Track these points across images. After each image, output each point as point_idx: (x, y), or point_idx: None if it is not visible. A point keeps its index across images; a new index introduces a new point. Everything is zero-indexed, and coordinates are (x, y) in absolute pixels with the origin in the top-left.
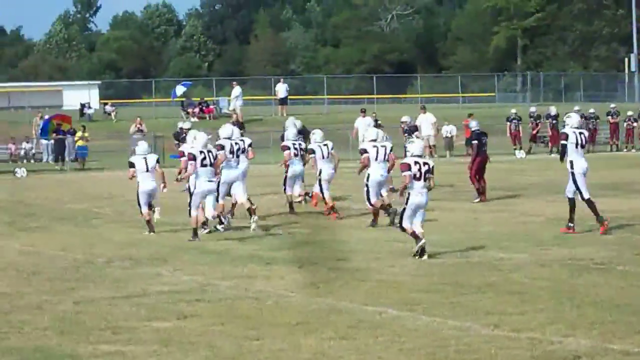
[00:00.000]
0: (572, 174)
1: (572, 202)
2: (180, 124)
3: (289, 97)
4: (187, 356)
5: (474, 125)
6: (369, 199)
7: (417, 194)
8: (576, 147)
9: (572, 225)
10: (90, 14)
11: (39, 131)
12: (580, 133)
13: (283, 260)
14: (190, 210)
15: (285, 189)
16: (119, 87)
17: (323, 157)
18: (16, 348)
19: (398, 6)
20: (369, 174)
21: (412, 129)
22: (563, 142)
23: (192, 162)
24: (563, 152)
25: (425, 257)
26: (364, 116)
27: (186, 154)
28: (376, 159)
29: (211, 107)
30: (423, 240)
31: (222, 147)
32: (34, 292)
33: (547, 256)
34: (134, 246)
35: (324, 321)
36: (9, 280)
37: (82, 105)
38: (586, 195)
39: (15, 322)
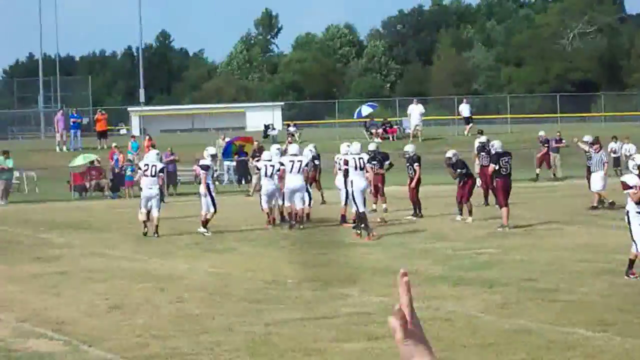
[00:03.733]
0: (353, 191)
1: (363, 214)
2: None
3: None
4: None
5: None
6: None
7: None
8: (355, 169)
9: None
10: (272, 36)
11: (222, 153)
12: (360, 158)
13: (472, 280)
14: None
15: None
16: (302, 108)
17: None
18: None
19: (580, 24)
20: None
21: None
22: (345, 167)
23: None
24: (345, 174)
25: None
26: (480, 137)
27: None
28: (291, 172)
29: (394, 127)
30: None
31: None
32: (224, 313)
33: None
34: (322, 267)
35: (515, 342)
36: (199, 302)
37: (266, 127)
38: (361, 209)
39: (207, 343)
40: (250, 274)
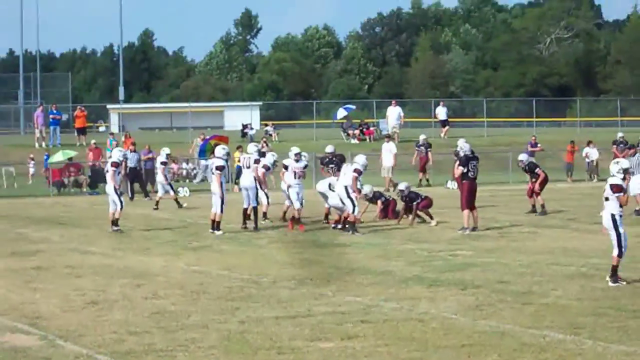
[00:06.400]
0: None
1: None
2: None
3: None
4: None
5: None
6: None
7: None
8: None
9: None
10: (251, 36)
11: (198, 151)
12: (249, 158)
13: (446, 282)
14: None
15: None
16: (280, 108)
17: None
18: None
19: (557, 30)
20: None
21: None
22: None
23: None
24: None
25: None
26: (387, 141)
27: None
28: (246, 167)
29: (371, 128)
30: None
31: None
32: (200, 311)
33: None
34: (297, 266)
35: (489, 344)
36: (175, 299)
37: (244, 126)
38: (245, 205)
39: (182, 340)
40: (227, 272)
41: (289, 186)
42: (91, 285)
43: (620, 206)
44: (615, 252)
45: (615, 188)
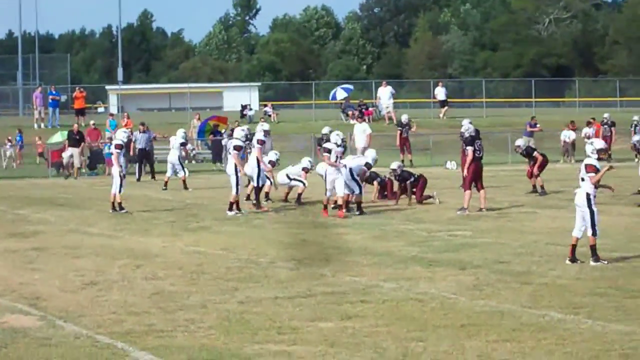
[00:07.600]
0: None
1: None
2: (323, 130)
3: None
4: (353, 356)
5: None
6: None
7: None
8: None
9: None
10: (250, 17)
11: (197, 132)
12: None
13: (445, 262)
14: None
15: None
16: (278, 89)
17: None
18: (183, 346)
19: (556, 10)
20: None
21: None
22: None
23: None
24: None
25: None
26: (360, 122)
27: None
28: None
29: (370, 109)
30: None
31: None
32: (199, 291)
33: None
34: (296, 247)
35: (488, 324)
36: (174, 280)
37: (243, 107)
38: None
39: (182, 321)
40: (226, 253)
41: (326, 171)
42: (90, 266)
43: (596, 187)
44: (590, 231)
45: (589, 168)
